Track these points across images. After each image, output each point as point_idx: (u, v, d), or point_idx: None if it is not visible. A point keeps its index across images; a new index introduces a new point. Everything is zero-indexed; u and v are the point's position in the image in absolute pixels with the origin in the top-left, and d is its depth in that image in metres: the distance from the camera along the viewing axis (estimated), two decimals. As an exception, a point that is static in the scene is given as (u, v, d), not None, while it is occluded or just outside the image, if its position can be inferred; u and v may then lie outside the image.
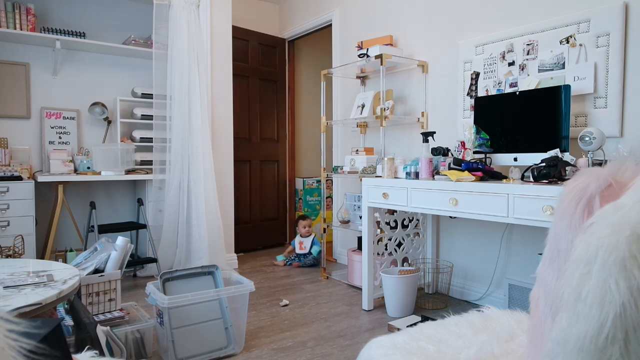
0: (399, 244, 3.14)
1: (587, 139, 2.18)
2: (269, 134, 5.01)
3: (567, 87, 2.36)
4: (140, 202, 3.60)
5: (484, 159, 2.71)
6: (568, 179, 1.61)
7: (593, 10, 2.42)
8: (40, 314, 1.51)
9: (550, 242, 0.92)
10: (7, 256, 2.81)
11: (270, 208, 5.03)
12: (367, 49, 3.37)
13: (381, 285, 2.93)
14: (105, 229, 3.38)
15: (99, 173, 3.57)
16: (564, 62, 2.55)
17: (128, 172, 3.69)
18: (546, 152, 2.35)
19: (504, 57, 2.85)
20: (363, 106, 3.51)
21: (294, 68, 5.27)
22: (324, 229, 3.70)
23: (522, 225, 2.80)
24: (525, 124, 2.54)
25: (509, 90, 2.82)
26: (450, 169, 2.61)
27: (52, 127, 3.81)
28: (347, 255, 3.56)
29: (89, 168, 3.67)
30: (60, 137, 3.84)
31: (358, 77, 3.97)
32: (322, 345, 2.39)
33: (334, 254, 4.43)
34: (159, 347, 2.23)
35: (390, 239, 3.07)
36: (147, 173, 3.74)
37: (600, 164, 2.08)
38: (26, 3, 3.53)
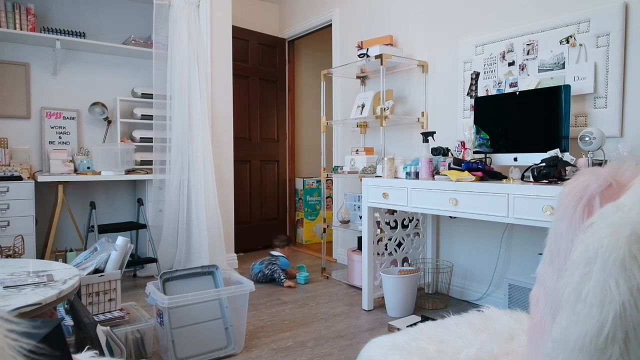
0: (399, 244, 3.14)
1: (587, 139, 2.18)
2: (269, 134, 5.01)
3: (567, 87, 2.36)
4: (140, 202, 3.60)
5: (484, 159, 2.71)
6: (568, 179, 1.61)
7: (593, 10, 2.42)
8: (40, 314, 1.51)
9: (550, 242, 0.92)
10: (7, 256, 2.81)
11: (270, 208, 5.03)
12: (367, 49, 3.37)
13: (381, 285, 2.92)
14: (105, 229, 3.38)
15: (99, 173, 3.56)
16: (564, 62, 2.55)
17: (128, 172, 3.69)
18: (546, 152, 2.35)
19: (504, 57, 2.85)
20: (363, 106, 3.51)
21: (294, 68, 5.27)
22: (324, 229, 3.70)
23: (522, 225, 2.80)
24: (525, 124, 2.54)
25: (509, 90, 2.82)
26: (450, 169, 2.61)
27: (52, 127, 3.81)
28: (347, 255, 3.56)
29: (89, 168, 3.67)
30: (60, 137, 3.84)
31: (358, 77, 3.97)
32: (322, 345, 2.39)
33: (334, 254, 4.43)
34: (159, 347, 2.23)
35: (390, 239, 3.07)
36: (147, 173, 3.74)
37: (600, 164, 2.08)
38: (26, 3, 3.53)
